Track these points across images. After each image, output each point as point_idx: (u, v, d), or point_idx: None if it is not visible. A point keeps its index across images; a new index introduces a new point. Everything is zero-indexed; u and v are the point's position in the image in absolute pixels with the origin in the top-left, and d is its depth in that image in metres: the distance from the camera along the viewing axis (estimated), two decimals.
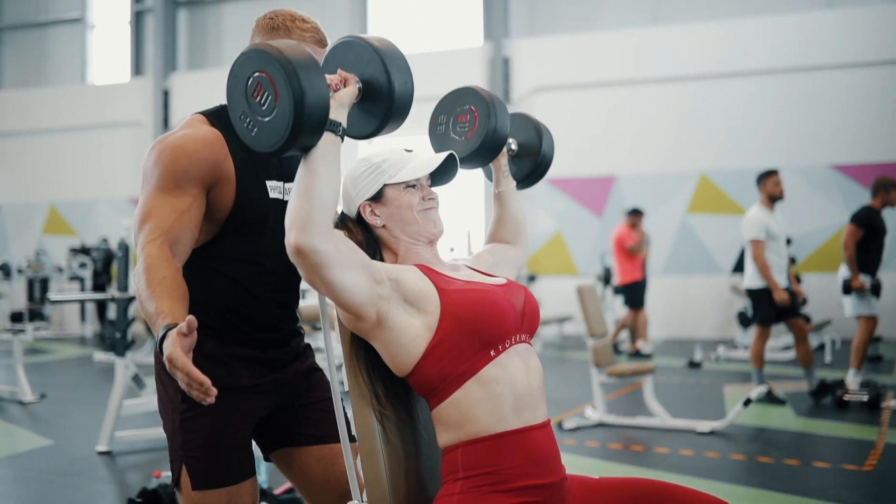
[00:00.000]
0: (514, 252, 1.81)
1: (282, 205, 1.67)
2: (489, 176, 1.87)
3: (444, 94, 1.79)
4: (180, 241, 1.51)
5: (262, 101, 1.33)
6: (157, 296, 1.38)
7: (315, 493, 1.77)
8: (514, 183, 1.84)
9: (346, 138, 1.43)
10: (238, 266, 1.65)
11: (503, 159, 1.81)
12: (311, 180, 1.34)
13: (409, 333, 1.43)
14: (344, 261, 1.36)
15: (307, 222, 1.31)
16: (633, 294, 8.10)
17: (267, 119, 1.32)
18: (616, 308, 9.30)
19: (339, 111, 1.39)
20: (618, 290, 8.37)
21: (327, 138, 1.36)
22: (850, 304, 5.36)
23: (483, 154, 1.72)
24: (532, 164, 1.87)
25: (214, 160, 1.57)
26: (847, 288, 5.32)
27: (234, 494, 1.63)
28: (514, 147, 1.85)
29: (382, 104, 1.44)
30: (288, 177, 1.70)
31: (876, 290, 5.31)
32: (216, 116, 1.65)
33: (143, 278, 1.41)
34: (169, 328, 1.30)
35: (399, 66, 1.44)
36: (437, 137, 1.78)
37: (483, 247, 1.81)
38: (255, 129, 1.35)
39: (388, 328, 1.43)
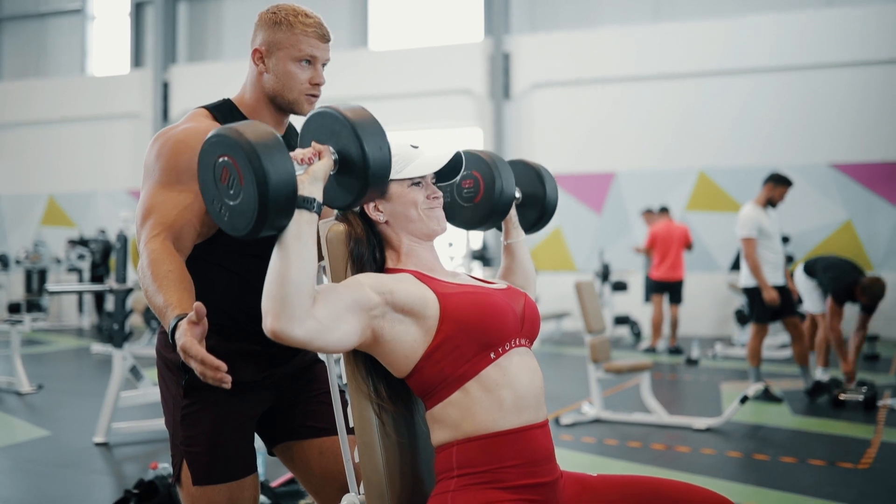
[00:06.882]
0: None
1: None
2: (499, 229, 1.85)
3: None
4: (183, 236, 1.52)
5: (230, 185, 1.30)
6: (164, 289, 1.39)
7: (318, 485, 1.77)
8: (524, 234, 1.82)
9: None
10: (240, 260, 1.65)
11: (513, 211, 1.79)
12: (285, 263, 1.29)
13: (406, 342, 1.43)
14: (330, 325, 1.33)
15: (283, 307, 1.27)
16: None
17: (235, 203, 1.30)
18: (614, 304, 9.30)
19: (313, 186, 1.34)
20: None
21: (301, 216, 1.31)
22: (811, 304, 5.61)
23: (494, 217, 1.71)
24: (538, 212, 1.85)
25: None
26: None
27: (236, 490, 1.63)
28: (518, 196, 1.81)
29: (358, 175, 1.37)
30: None
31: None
32: (218, 110, 1.65)
33: (148, 273, 1.43)
34: (179, 318, 1.32)
35: (372, 135, 1.36)
36: (444, 206, 1.69)
37: None
38: (227, 214, 1.32)
39: (384, 341, 1.43)
